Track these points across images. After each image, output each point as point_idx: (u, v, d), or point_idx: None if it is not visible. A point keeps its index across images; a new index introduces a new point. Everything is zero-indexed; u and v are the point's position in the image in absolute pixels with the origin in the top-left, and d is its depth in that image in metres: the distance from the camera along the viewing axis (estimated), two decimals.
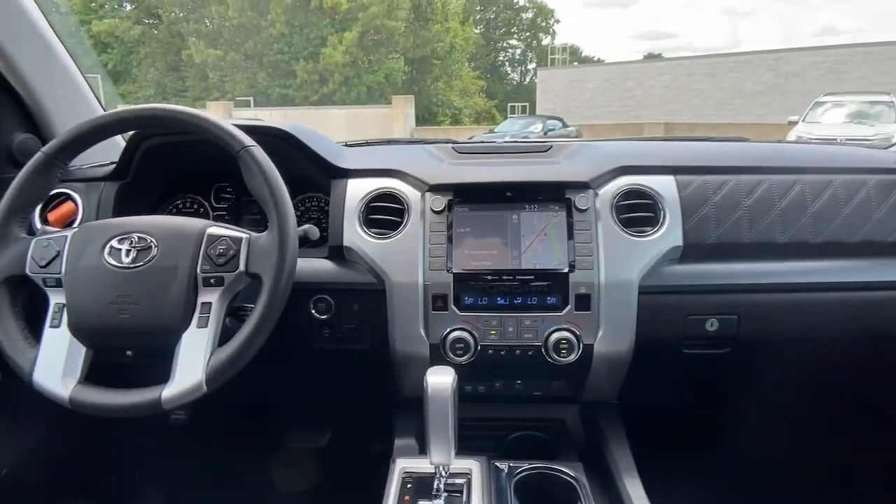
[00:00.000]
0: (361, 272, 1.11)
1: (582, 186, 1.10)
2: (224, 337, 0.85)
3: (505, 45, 42.51)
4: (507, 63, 43.87)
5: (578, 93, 23.05)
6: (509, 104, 29.72)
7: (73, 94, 1.28)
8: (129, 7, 28.70)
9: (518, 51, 43.12)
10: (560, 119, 16.43)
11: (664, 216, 1.10)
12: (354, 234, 1.11)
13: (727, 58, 20.39)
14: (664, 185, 1.12)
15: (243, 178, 0.89)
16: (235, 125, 0.94)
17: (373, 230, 1.11)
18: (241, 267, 0.85)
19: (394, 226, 1.11)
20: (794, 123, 10.46)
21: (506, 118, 21.56)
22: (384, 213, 1.12)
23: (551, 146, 1.25)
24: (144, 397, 0.81)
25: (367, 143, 1.42)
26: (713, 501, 1.21)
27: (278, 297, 0.84)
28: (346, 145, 1.38)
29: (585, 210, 1.08)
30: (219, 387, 0.83)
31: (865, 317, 1.12)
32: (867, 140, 8.99)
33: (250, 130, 0.94)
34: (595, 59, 43.92)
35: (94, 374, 0.85)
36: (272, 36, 25.80)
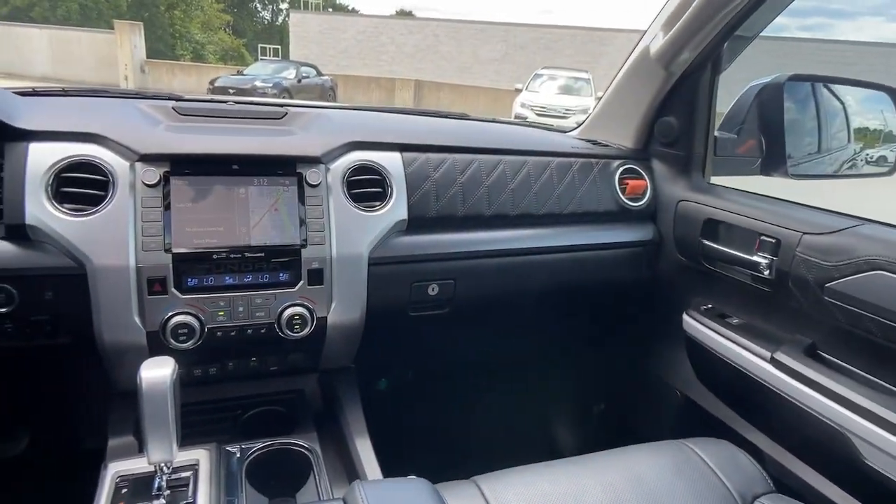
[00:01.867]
0: (53, 255, 0.93)
1: (313, 161, 1.10)
2: None
3: None
4: None
5: (334, 42, 22.54)
6: (260, 45, 27.65)
7: None
8: None
9: None
10: (315, 67, 15.88)
11: (392, 191, 1.16)
12: (41, 211, 0.92)
13: (468, 25, 22.14)
14: (392, 162, 1.18)
15: None
16: None
17: (66, 206, 0.94)
18: None
19: (95, 200, 0.96)
20: (519, 91, 12.33)
21: (256, 59, 20.03)
22: (81, 186, 0.95)
23: (287, 112, 1.20)
24: None
25: (65, 93, 1.17)
26: (443, 451, 1.36)
27: None
28: (33, 93, 1.11)
29: (317, 185, 1.08)
30: None
31: (555, 273, 1.37)
32: (571, 110, 10.99)
33: None
34: (350, 8, 43.27)
35: None
36: None
